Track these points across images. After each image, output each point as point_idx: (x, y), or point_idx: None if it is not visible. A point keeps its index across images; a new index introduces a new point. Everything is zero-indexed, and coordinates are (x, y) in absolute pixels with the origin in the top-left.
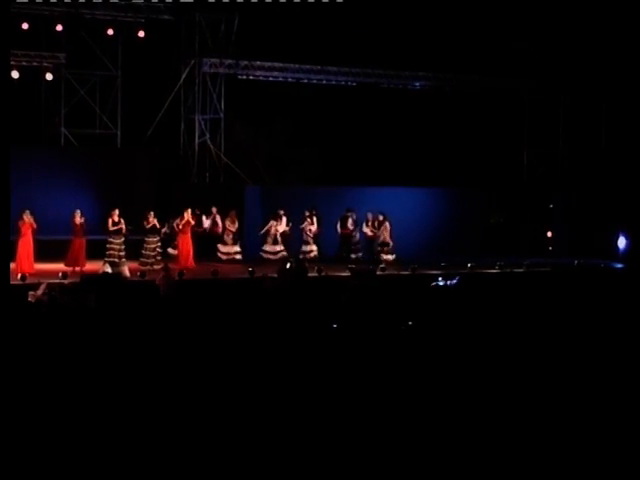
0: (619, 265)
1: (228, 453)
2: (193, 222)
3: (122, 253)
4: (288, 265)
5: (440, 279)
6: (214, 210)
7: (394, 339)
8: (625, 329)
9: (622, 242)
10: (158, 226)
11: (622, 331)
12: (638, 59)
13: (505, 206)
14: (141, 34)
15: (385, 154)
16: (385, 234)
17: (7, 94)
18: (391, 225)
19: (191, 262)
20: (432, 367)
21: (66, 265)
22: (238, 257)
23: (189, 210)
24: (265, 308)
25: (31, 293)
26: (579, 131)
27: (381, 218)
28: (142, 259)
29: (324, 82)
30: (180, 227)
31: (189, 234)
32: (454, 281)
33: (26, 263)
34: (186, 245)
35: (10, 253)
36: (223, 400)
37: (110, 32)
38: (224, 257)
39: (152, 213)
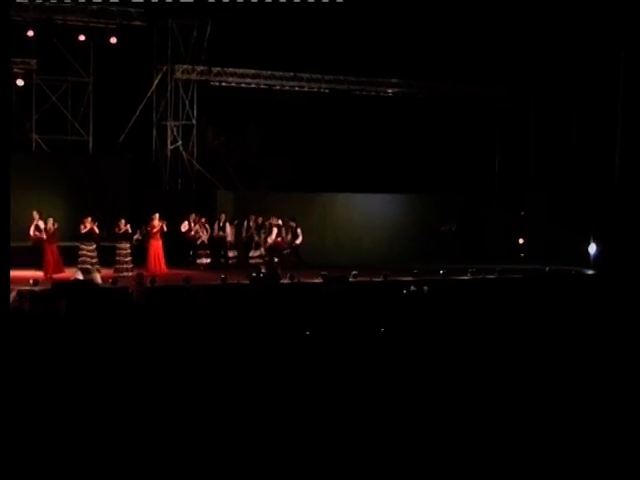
0: (590, 271)
1: (200, 460)
2: (166, 229)
3: (94, 260)
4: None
5: (410, 287)
6: (222, 217)
7: (367, 345)
8: (597, 334)
9: (593, 248)
10: (130, 232)
11: (594, 336)
12: (607, 65)
13: (476, 212)
14: (113, 40)
15: (357, 161)
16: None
17: (8, 98)
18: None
19: (162, 268)
20: (405, 373)
21: (45, 274)
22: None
23: (157, 215)
24: (238, 315)
25: None
26: (550, 138)
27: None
28: (115, 266)
29: (297, 89)
30: (152, 232)
31: (160, 240)
32: (424, 288)
33: None
34: (157, 251)
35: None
36: (195, 407)
37: (82, 38)
38: (254, 261)
39: (123, 220)
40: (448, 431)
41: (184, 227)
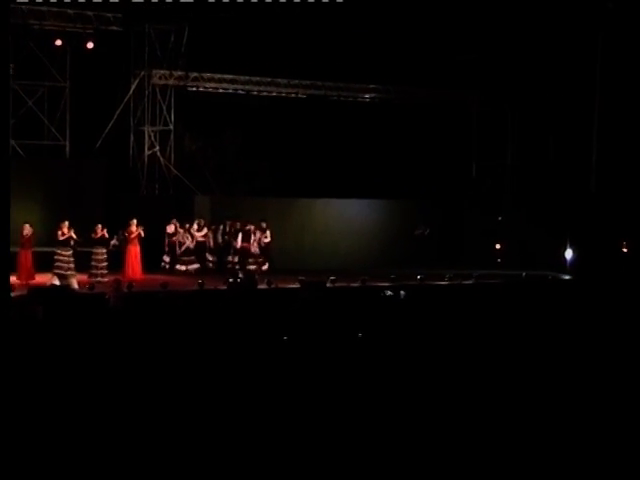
0: (567, 277)
1: (176, 464)
2: (143, 234)
3: (71, 265)
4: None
5: (387, 291)
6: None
7: (344, 351)
8: (573, 339)
9: (569, 254)
10: (107, 237)
11: (571, 340)
12: (584, 72)
13: (454, 218)
14: (90, 45)
15: (335, 166)
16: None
17: (7, 101)
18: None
19: (139, 274)
20: (383, 379)
21: (19, 279)
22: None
23: (134, 221)
24: (215, 320)
25: None
26: (527, 143)
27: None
28: (91, 271)
29: (274, 94)
30: (130, 237)
31: (138, 245)
32: (401, 293)
33: None
34: (134, 256)
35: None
36: (174, 411)
37: (58, 43)
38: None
39: (100, 225)
40: (426, 436)
41: (170, 229)
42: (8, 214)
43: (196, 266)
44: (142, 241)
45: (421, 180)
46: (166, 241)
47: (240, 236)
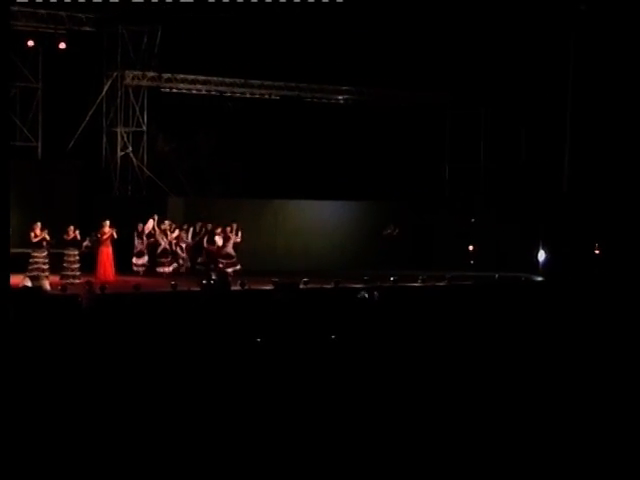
0: (539, 278)
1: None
2: (116, 236)
3: (45, 267)
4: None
5: (362, 293)
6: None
7: (317, 353)
8: (545, 339)
9: (542, 256)
10: (79, 239)
11: (542, 341)
12: (556, 74)
13: (427, 219)
14: (62, 46)
15: (309, 168)
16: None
17: (7, 101)
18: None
19: (111, 275)
20: (356, 381)
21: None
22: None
23: (107, 222)
24: (188, 322)
25: None
26: (500, 145)
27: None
28: (63, 272)
29: (247, 95)
30: (103, 239)
31: (111, 247)
32: (375, 295)
33: None
34: (107, 258)
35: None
36: (145, 413)
37: (31, 43)
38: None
39: (72, 227)
40: (399, 438)
41: (148, 228)
42: (8, 214)
43: (175, 266)
44: (115, 242)
45: (394, 182)
46: (145, 242)
47: (206, 238)
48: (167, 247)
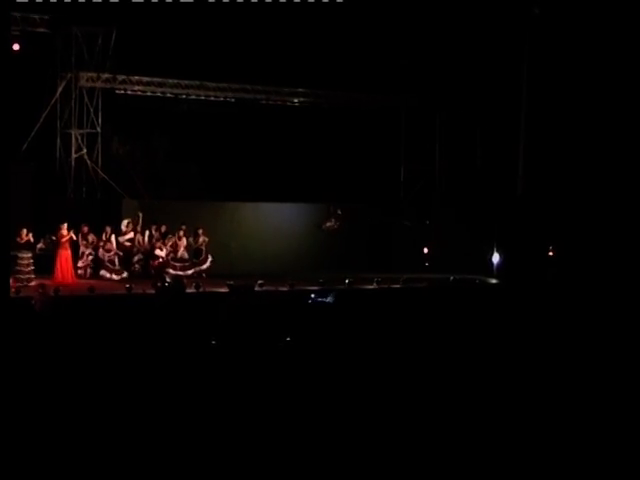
0: (494, 280)
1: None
2: (75, 238)
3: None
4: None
5: (313, 295)
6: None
7: (272, 355)
8: (498, 342)
9: (496, 258)
10: (32, 242)
11: (496, 343)
12: (510, 76)
13: (382, 221)
14: (16, 47)
15: (265, 170)
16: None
17: (8, 99)
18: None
19: (70, 278)
20: (310, 383)
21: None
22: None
23: (65, 225)
24: (143, 325)
25: None
26: (456, 148)
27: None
28: (16, 275)
29: (203, 97)
30: (61, 241)
31: (69, 250)
32: (329, 297)
33: None
34: (65, 261)
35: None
36: (103, 418)
37: None
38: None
39: (25, 229)
40: (351, 442)
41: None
42: (8, 215)
43: (124, 275)
44: (73, 245)
45: (351, 184)
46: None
47: (158, 244)
48: (113, 258)
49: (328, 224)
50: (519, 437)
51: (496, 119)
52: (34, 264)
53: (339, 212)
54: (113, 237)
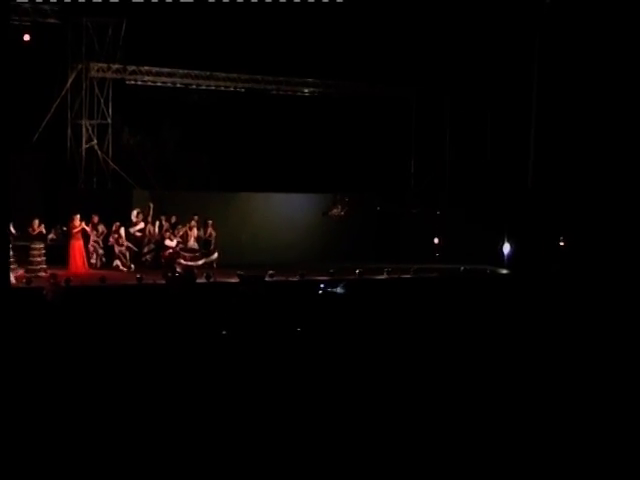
0: (504, 271)
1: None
2: (87, 229)
3: (11, 259)
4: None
5: (323, 285)
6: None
7: (283, 345)
8: (510, 331)
9: (507, 248)
10: (44, 233)
11: (508, 332)
12: (522, 68)
13: (392, 212)
14: (27, 37)
15: (276, 160)
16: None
17: (8, 99)
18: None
19: (82, 268)
20: (320, 374)
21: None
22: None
23: (78, 216)
24: (154, 315)
25: None
26: (466, 138)
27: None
28: (29, 267)
29: (213, 88)
30: (73, 232)
31: (81, 240)
32: (340, 288)
33: None
34: (79, 251)
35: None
36: (112, 407)
37: None
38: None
39: (37, 220)
40: (365, 433)
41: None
42: (9, 212)
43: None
44: (85, 236)
45: (361, 174)
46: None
47: (168, 235)
48: (124, 251)
49: (334, 211)
50: (527, 425)
51: (507, 110)
52: (45, 255)
53: (346, 199)
54: (122, 230)
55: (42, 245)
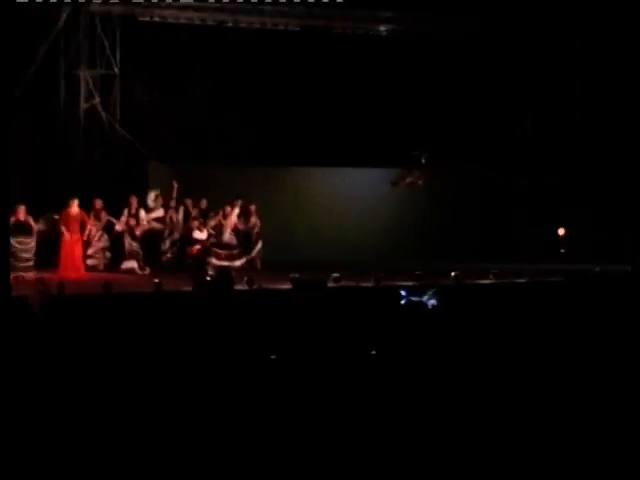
0: None
1: None
2: (88, 218)
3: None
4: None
5: (406, 292)
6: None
7: (352, 375)
8: None
9: None
10: (32, 223)
11: None
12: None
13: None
14: None
15: (339, 124)
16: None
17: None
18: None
19: (78, 271)
20: (402, 416)
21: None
22: None
23: (76, 201)
24: (177, 334)
25: None
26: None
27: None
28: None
29: (256, 26)
30: (68, 222)
31: (78, 233)
32: (428, 297)
33: None
34: (73, 248)
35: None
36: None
37: None
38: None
39: (23, 207)
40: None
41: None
42: (8, 211)
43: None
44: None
45: (457, 140)
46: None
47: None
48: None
49: (408, 179)
50: None
51: None
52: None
53: (423, 161)
54: (143, 213)
55: (30, 240)
